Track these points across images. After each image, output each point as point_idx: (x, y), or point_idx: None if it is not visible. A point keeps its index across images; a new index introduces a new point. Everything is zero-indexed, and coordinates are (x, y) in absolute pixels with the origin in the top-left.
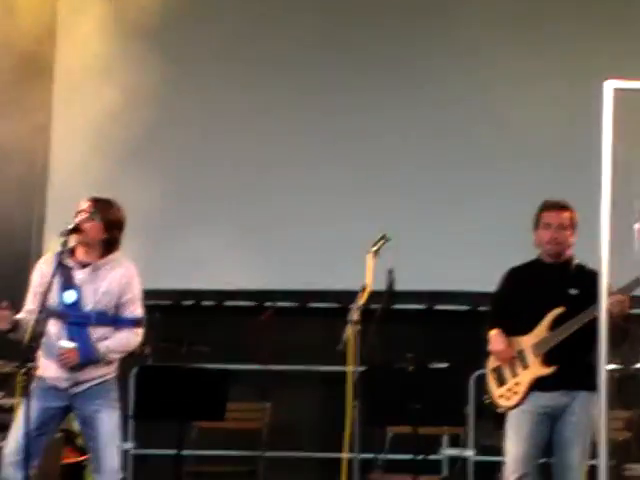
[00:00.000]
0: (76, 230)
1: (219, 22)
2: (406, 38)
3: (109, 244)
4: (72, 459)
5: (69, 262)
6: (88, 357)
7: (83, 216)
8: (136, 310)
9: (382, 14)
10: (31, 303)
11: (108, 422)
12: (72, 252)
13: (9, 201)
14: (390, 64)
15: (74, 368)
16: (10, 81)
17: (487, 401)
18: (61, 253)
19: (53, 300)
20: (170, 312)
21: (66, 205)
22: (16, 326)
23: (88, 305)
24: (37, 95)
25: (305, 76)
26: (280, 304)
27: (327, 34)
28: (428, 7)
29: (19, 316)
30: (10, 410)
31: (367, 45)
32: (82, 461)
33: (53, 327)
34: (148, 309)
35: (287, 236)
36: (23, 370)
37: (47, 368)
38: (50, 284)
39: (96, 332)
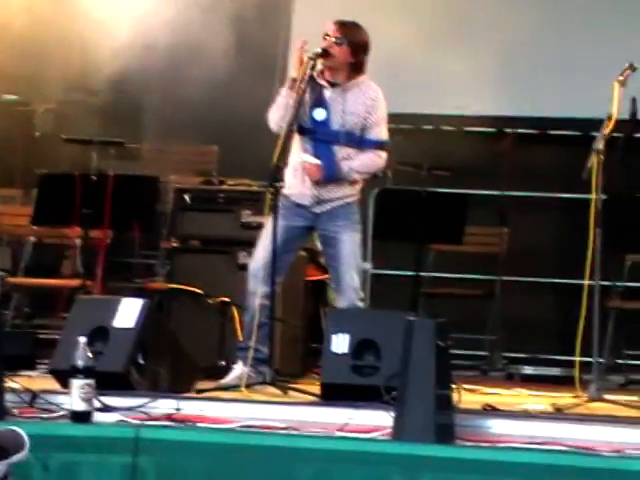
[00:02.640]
0: (324, 54)
1: None
2: None
3: (355, 67)
4: (315, 276)
5: (320, 80)
6: (331, 174)
7: (331, 40)
8: (381, 132)
9: None
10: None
11: (349, 243)
12: (321, 73)
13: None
14: None
15: (317, 184)
16: None
17: None
18: (313, 72)
19: (302, 117)
20: (411, 136)
21: (311, 26)
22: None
23: (336, 124)
24: None
25: None
26: (520, 130)
27: None
28: None
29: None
30: (258, 227)
31: None
32: (325, 279)
33: (300, 144)
34: (390, 132)
35: (529, 62)
36: (271, 189)
37: (292, 186)
38: (301, 100)
39: (341, 152)
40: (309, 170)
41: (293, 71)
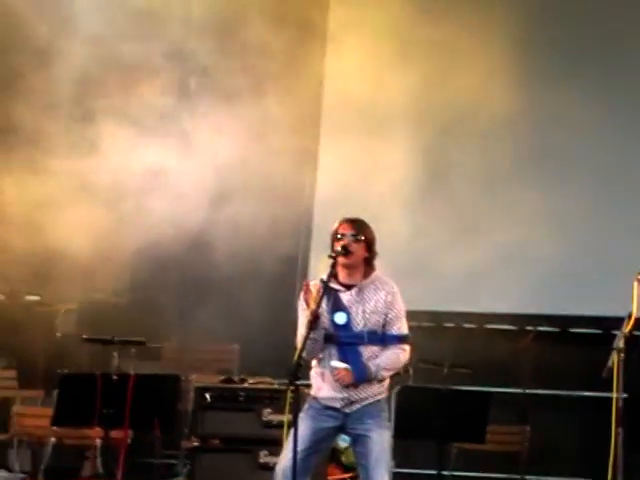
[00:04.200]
0: (345, 252)
1: None
2: None
3: (369, 262)
4: (337, 476)
5: (335, 285)
6: (361, 376)
7: (349, 238)
8: (402, 327)
9: None
10: (303, 330)
11: (379, 441)
12: (334, 276)
13: (278, 227)
14: None
15: (348, 387)
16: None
17: None
18: (328, 278)
19: (324, 323)
20: (431, 333)
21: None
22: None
23: (358, 325)
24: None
25: None
26: (541, 328)
27: None
28: None
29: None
30: (278, 426)
31: None
32: (346, 478)
33: (326, 349)
34: (410, 330)
35: (548, 261)
36: (292, 387)
37: (321, 388)
38: (319, 308)
39: (366, 351)
40: (340, 376)
41: (307, 310)
